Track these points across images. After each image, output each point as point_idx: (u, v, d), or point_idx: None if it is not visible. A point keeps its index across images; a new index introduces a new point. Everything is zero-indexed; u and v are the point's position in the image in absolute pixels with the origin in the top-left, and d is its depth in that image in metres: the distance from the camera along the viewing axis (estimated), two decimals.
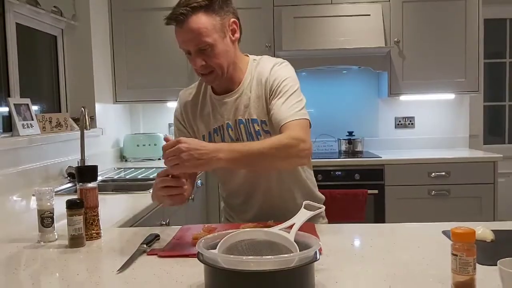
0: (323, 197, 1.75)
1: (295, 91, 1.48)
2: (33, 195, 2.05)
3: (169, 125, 3.94)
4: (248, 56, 1.60)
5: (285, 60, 1.57)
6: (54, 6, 2.89)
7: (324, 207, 1.16)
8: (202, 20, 1.39)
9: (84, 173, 1.44)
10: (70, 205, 1.35)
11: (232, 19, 1.47)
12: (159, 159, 3.66)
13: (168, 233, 1.42)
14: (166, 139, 1.29)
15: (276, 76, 1.49)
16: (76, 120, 2.98)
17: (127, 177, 2.95)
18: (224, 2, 1.44)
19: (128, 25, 3.50)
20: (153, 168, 3.23)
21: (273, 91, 1.48)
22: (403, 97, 3.75)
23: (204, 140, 1.55)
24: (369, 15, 3.46)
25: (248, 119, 1.51)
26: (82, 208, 1.37)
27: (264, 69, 1.52)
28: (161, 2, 3.45)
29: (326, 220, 1.75)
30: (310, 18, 3.47)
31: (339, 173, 3.28)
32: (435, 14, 3.50)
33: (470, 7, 3.47)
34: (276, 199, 1.58)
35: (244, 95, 1.52)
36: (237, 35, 1.49)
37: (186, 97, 1.63)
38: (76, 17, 3.13)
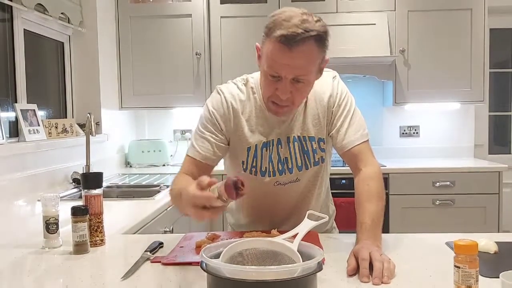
0: (334, 208, 1.75)
1: (355, 108, 1.49)
2: (39, 200, 2.07)
3: (174, 131, 3.95)
4: None
5: (334, 70, 1.52)
6: (62, 13, 2.92)
7: (327, 217, 1.16)
8: (314, 50, 1.27)
9: (89, 179, 1.45)
10: (75, 211, 1.35)
11: (327, 57, 1.36)
12: (164, 165, 3.67)
13: (171, 241, 1.43)
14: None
15: (338, 93, 1.47)
16: (82, 126, 3.00)
17: (131, 183, 2.96)
18: (329, 36, 1.31)
19: (134, 32, 3.52)
20: (157, 174, 3.23)
21: (336, 110, 1.46)
22: (408, 106, 3.75)
23: (248, 153, 1.46)
24: (374, 24, 3.47)
25: (304, 136, 1.46)
26: (87, 215, 1.37)
27: (323, 85, 1.46)
28: (167, 9, 3.47)
29: (337, 230, 1.75)
30: None
31: (344, 181, 3.28)
32: (440, 23, 3.50)
33: (475, 17, 3.47)
34: (296, 211, 1.54)
35: (300, 111, 1.45)
36: (321, 74, 1.39)
37: (233, 100, 1.46)
38: (83, 24, 3.16)
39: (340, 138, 1.45)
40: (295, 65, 1.26)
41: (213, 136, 1.44)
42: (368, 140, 1.48)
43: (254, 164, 1.46)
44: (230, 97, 1.46)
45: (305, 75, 1.29)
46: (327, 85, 1.46)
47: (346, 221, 3.02)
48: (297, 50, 1.23)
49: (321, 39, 1.26)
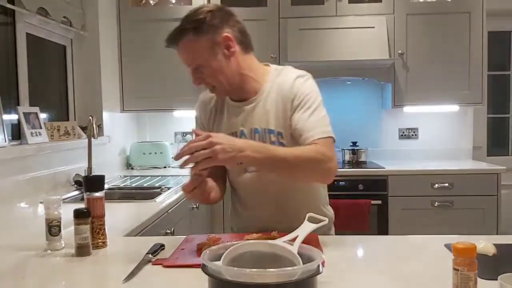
0: (332, 213, 1.73)
1: (318, 105, 1.49)
2: (41, 202, 2.08)
3: (175, 133, 3.97)
4: (269, 65, 1.60)
5: (308, 73, 1.56)
6: (64, 17, 2.93)
7: (327, 219, 1.18)
8: (190, 42, 1.43)
9: (91, 182, 1.45)
10: (77, 214, 1.36)
11: (224, 34, 1.45)
12: (165, 167, 3.68)
13: (173, 243, 1.43)
14: (196, 133, 1.30)
15: (300, 89, 1.49)
16: (83, 128, 3.01)
17: (133, 185, 2.97)
18: (215, 19, 1.44)
19: (136, 36, 3.53)
20: (159, 176, 3.25)
21: (296, 104, 1.48)
22: (407, 108, 3.76)
23: None
24: (373, 27, 3.49)
25: (265, 129, 1.51)
26: (89, 217, 1.38)
27: (286, 80, 1.52)
28: (168, 13, 3.48)
29: (333, 231, 1.75)
30: (315, 30, 3.50)
31: (343, 183, 3.29)
32: (439, 26, 3.51)
33: (474, 20, 3.49)
34: (280, 209, 1.57)
35: (262, 104, 1.52)
36: (233, 49, 1.47)
37: (207, 101, 1.64)
38: (85, 27, 3.17)
39: (299, 134, 1.46)
40: (184, 59, 1.47)
41: None
42: (329, 137, 1.45)
43: None
44: (203, 99, 1.65)
45: (195, 64, 1.46)
46: (288, 83, 1.50)
47: (346, 222, 3.04)
48: (179, 48, 1.45)
49: (197, 29, 1.42)
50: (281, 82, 1.52)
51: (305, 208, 1.55)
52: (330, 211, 1.73)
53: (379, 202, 3.27)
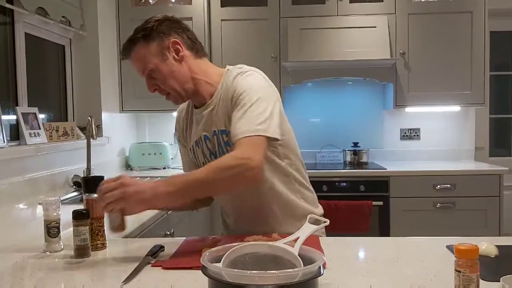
0: (321, 213, 1.68)
1: (254, 102, 1.41)
2: (40, 203, 2.07)
3: (175, 134, 3.94)
4: (226, 67, 1.60)
5: (252, 69, 1.54)
6: (63, 17, 2.92)
7: (328, 221, 1.16)
8: (140, 50, 1.48)
9: (90, 183, 1.45)
10: (76, 215, 1.35)
11: (172, 39, 1.50)
12: (164, 168, 3.68)
13: (172, 244, 1.43)
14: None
15: (238, 86, 1.48)
16: (82, 129, 3.00)
17: None
18: (163, 27, 1.49)
19: None
20: (158, 177, 3.23)
21: (234, 103, 1.47)
22: (408, 109, 3.75)
23: (191, 154, 1.64)
24: (375, 27, 3.48)
25: (220, 130, 1.53)
26: (88, 219, 1.38)
27: (230, 79, 1.52)
28: (168, 12, 3.41)
29: (323, 231, 1.71)
30: (316, 30, 3.49)
31: (344, 184, 3.28)
32: (441, 26, 3.51)
33: (476, 20, 3.48)
34: (253, 209, 1.58)
35: (217, 107, 1.53)
36: (182, 53, 1.51)
37: (180, 112, 1.71)
38: (84, 27, 3.17)
39: (231, 132, 1.43)
40: (136, 68, 1.52)
41: (183, 147, 1.72)
42: (257, 136, 1.38)
43: (196, 162, 1.64)
44: (178, 110, 1.72)
45: (147, 69, 1.49)
46: (230, 83, 1.51)
47: (348, 224, 3.03)
48: (132, 57, 1.50)
49: (146, 36, 1.47)
50: (227, 81, 1.53)
51: (289, 215, 1.57)
52: (318, 211, 1.68)
53: (381, 203, 3.26)
